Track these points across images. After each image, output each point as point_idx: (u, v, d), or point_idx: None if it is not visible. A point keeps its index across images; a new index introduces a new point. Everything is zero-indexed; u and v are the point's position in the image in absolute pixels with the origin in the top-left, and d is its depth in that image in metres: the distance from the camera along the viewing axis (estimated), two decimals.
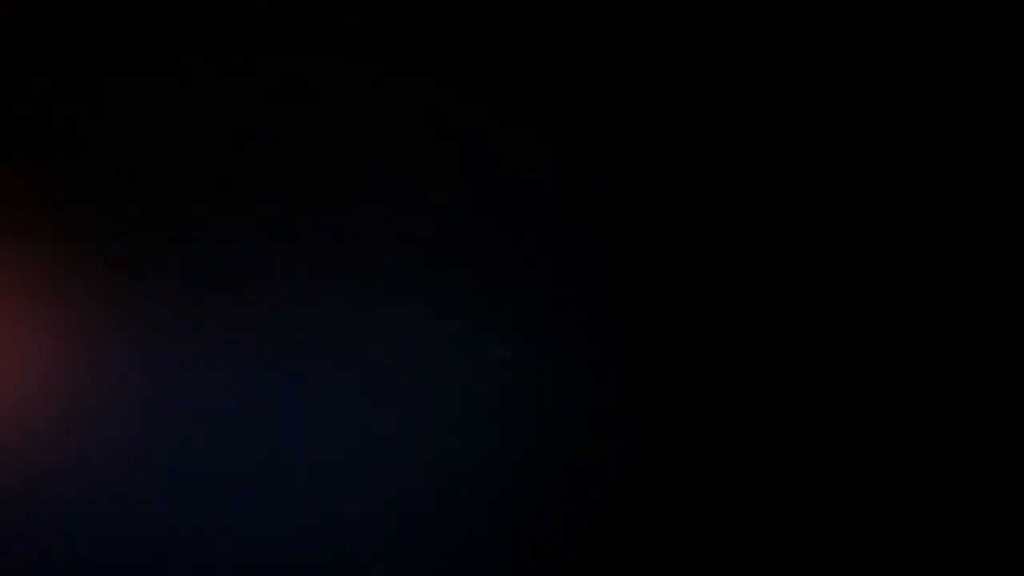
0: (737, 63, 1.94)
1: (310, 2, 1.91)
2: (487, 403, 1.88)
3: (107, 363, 1.84)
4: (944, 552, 1.88)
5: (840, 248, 1.92)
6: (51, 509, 1.81)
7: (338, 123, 1.90)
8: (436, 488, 1.87)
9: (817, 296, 1.92)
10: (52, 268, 1.84)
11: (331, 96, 1.90)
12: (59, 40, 1.87)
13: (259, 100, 1.89)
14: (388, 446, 1.87)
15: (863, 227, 1.92)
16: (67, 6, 1.88)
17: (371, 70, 1.91)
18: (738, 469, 1.89)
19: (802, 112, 1.94)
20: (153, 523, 1.83)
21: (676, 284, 1.91)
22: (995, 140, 1.92)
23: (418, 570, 1.86)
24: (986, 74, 1.93)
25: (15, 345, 1.82)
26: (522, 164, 1.91)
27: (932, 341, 1.90)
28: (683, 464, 1.89)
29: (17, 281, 1.84)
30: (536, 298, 1.90)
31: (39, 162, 1.86)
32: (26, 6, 1.87)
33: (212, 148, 1.88)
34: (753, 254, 1.92)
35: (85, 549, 1.81)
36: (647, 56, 1.94)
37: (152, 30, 1.89)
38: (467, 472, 1.87)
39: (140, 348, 1.84)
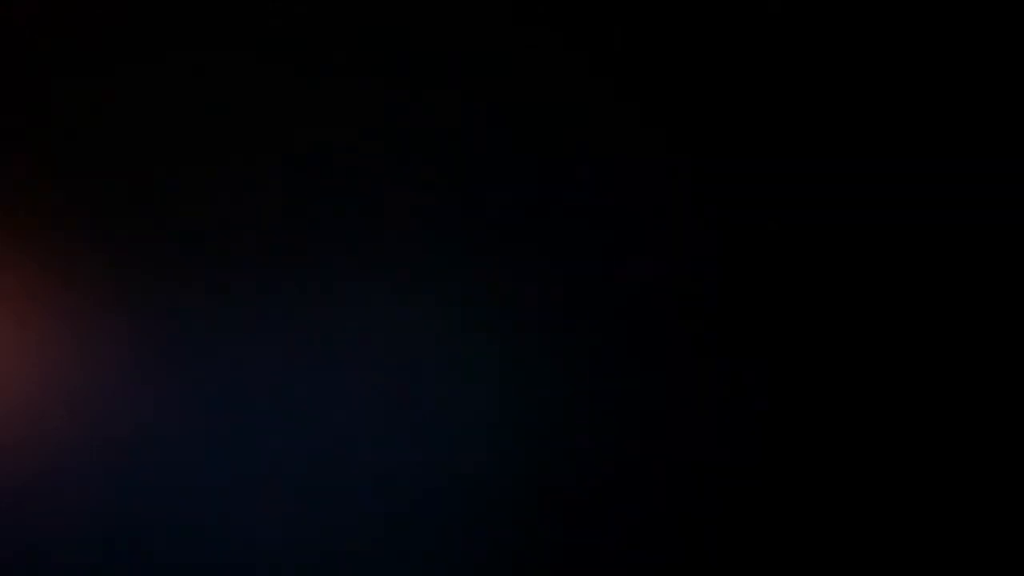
0: (737, 63, 1.94)
1: (311, 3, 1.91)
2: (489, 404, 1.88)
3: (108, 363, 1.84)
4: (942, 551, 1.88)
5: (841, 240, 1.92)
6: (51, 509, 1.81)
7: (340, 123, 1.90)
8: (438, 489, 1.87)
9: (816, 297, 1.92)
10: (53, 268, 1.84)
11: (333, 96, 1.90)
12: (59, 40, 1.87)
13: (261, 99, 1.89)
14: (390, 445, 1.87)
15: (866, 232, 1.92)
16: (70, 6, 1.88)
17: (374, 70, 1.91)
18: (738, 472, 1.89)
19: (802, 111, 1.94)
20: (153, 523, 1.83)
21: (677, 285, 1.91)
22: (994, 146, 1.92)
23: (420, 570, 1.86)
24: (984, 74, 1.93)
25: (15, 345, 1.82)
26: (523, 164, 1.91)
27: (929, 339, 1.90)
28: (684, 465, 1.89)
29: (17, 281, 1.84)
30: (537, 299, 1.90)
31: (40, 162, 1.86)
32: (28, 6, 1.87)
33: (214, 147, 1.88)
34: (753, 253, 1.92)
35: (85, 548, 1.81)
36: (647, 56, 1.94)
37: (153, 30, 1.89)
38: (469, 473, 1.87)
39: (141, 348, 1.84)
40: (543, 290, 1.90)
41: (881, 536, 1.88)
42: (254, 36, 1.90)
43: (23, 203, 1.85)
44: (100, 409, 1.83)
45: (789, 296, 1.92)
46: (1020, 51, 1.92)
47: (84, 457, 1.82)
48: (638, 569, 1.88)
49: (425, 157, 1.91)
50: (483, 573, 1.87)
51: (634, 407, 1.89)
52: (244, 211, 1.88)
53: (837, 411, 1.90)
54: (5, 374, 1.82)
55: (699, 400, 1.90)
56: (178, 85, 1.89)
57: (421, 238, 1.89)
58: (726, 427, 1.90)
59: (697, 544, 1.88)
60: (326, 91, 1.90)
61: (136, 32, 1.89)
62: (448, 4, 1.92)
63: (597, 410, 1.89)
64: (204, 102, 1.89)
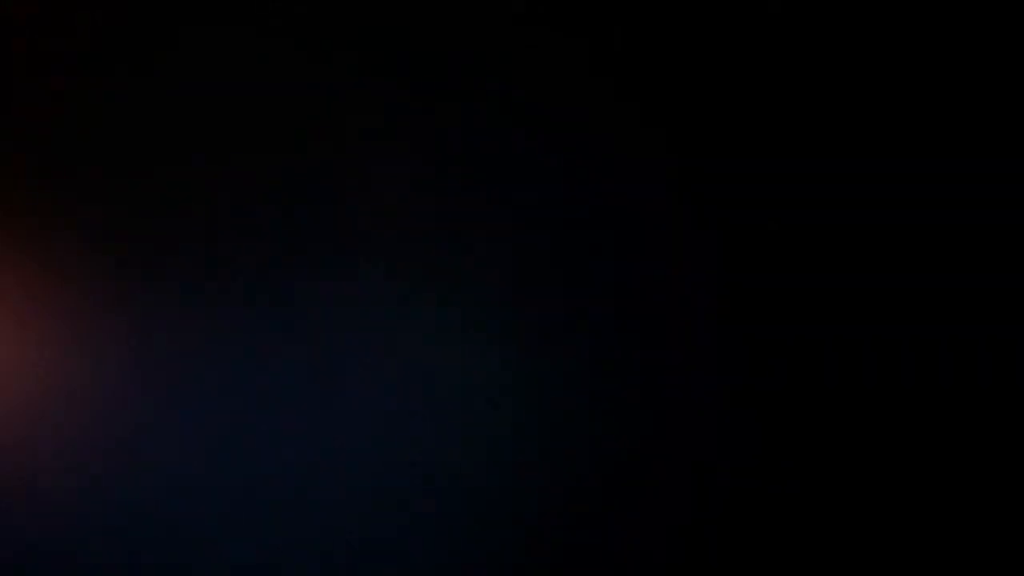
0: (738, 61, 1.94)
1: (311, 3, 1.91)
2: (488, 404, 1.88)
3: (108, 363, 1.84)
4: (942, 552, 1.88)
5: (842, 238, 1.92)
6: (51, 509, 1.81)
7: (340, 123, 1.90)
8: (439, 489, 1.87)
9: (816, 297, 1.91)
10: (53, 268, 1.84)
11: (333, 97, 1.90)
12: (58, 40, 1.87)
13: (260, 101, 1.89)
14: (389, 446, 1.87)
15: (865, 231, 1.92)
16: (70, 6, 1.88)
17: (374, 70, 1.91)
18: (738, 470, 1.89)
19: (802, 111, 1.94)
20: (153, 523, 1.82)
21: (677, 283, 1.91)
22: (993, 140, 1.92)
23: (417, 572, 1.86)
24: (983, 72, 1.93)
25: (15, 345, 1.82)
26: (521, 164, 1.91)
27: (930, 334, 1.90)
28: (683, 465, 1.89)
29: (17, 281, 1.84)
30: (537, 299, 1.90)
31: (40, 162, 1.86)
32: (28, 6, 1.87)
33: (214, 147, 1.88)
34: (753, 253, 1.92)
35: (84, 548, 1.81)
36: (647, 54, 1.94)
37: (154, 30, 1.89)
38: (468, 473, 1.87)
39: (141, 348, 1.84)
40: (543, 291, 1.90)
41: (881, 535, 1.88)
42: (255, 36, 1.90)
43: (23, 203, 1.85)
44: (100, 409, 1.83)
45: (788, 296, 1.92)
46: (1020, 51, 1.92)
47: (84, 457, 1.82)
48: (639, 569, 1.88)
49: (424, 158, 1.91)
50: (484, 573, 1.87)
51: (634, 407, 1.89)
52: (245, 211, 1.88)
53: (837, 411, 1.90)
54: (5, 374, 1.82)
55: (699, 401, 1.90)
56: (178, 85, 1.89)
57: (421, 239, 1.89)
58: (727, 428, 1.90)
59: (698, 544, 1.88)
60: (327, 92, 1.90)
61: (136, 32, 1.89)
62: (448, 4, 1.92)
63: (597, 410, 1.89)
64: (204, 102, 1.89)
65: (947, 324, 1.90)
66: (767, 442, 1.90)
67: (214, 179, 1.88)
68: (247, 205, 1.88)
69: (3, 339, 1.83)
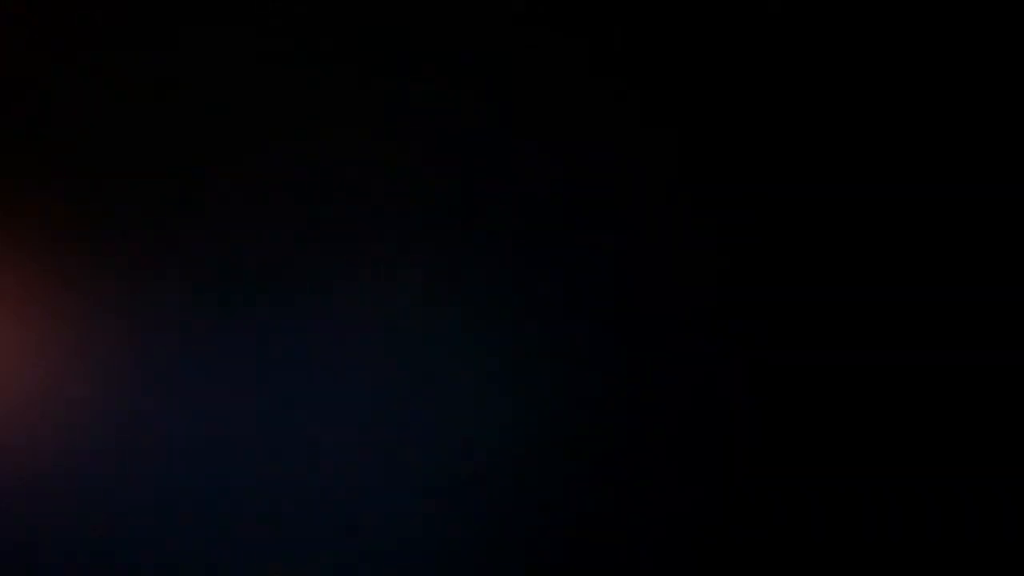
0: (738, 61, 1.94)
1: (311, 3, 1.91)
2: (490, 403, 1.88)
3: (108, 363, 1.84)
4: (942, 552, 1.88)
5: (839, 238, 1.92)
6: (50, 509, 1.81)
7: (338, 124, 1.90)
8: (438, 488, 1.87)
9: (816, 290, 1.91)
10: (53, 268, 1.84)
11: (334, 97, 1.90)
12: (58, 40, 1.87)
13: (261, 101, 1.89)
14: (390, 447, 1.87)
15: (864, 219, 1.92)
16: (70, 7, 1.88)
17: (374, 71, 1.91)
18: (737, 468, 1.89)
19: (803, 109, 1.94)
20: (152, 523, 1.83)
21: (676, 281, 1.91)
22: (991, 136, 1.92)
23: (418, 569, 1.86)
24: (982, 73, 1.93)
25: (15, 345, 1.82)
26: (522, 163, 1.91)
27: (931, 334, 1.90)
28: (682, 463, 1.89)
29: (17, 281, 1.84)
30: (537, 297, 1.90)
31: (40, 162, 1.86)
32: (29, 6, 1.87)
33: (214, 148, 1.88)
34: (754, 248, 1.92)
35: (84, 548, 1.81)
36: (648, 53, 1.93)
37: (155, 31, 1.89)
38: (469, 473, 1.87)
39: (141, 348, 1.84)
40: (543, 292, 1.90)
41: (882, 539, 1.88)
42: (255, 36, 1.90)
43: (23, 203, 1.85)
44: (100, 409, 1.83)
45: (787, 296, 1.92)
46: (1020, 48, 1.92)
47: (84, 457, 1.82)
48: (639, 570, 1.88)
49: (424, 158, 1.91)
50: (485, 574, 1.87)
51: (635, 408, 1.89)
52: (244, 211, 1.88)
53: (837, 411, 1.90)
54: (5, 374, 1.82)
55: (700, 402, 1.90)
56: (179, 86, 1.89)
57: (421, 240, 1.89)
58: (727, 429, 1.90)
59: (699, 547, 1.88)
60: (327, 92, 1.90)
61: (137, 33, 1.89)
62: (448, 4, 1.92)
63: (597, 412, 1.89)
64: (204, 103, 1.89)
65: (944, 332, 1.90)
66: (767, 443, 1.90)
67: (215, 179, 1.88)
68: (248, 205, 1.88)
69: (3, 339, 1.83)
